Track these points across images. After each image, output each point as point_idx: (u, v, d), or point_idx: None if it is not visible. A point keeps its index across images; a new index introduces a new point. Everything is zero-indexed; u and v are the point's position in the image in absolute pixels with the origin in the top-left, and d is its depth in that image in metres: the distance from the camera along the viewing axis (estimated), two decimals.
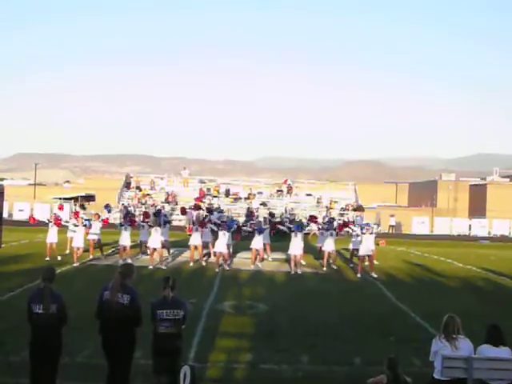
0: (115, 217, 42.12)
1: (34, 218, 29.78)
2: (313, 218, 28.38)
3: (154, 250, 24.85)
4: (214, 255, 26.46)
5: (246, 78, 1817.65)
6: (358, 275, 23.83)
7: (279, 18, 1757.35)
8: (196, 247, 25.95)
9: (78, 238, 25.08)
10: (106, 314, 8.30)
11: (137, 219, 28.40)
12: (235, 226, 26.63)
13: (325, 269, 25.40)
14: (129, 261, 23.27)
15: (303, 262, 25.84)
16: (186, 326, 8.80)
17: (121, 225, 26.93)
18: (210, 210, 33.76)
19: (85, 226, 25.57)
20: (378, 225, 29.05)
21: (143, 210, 45.25)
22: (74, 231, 25.85)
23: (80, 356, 10.93)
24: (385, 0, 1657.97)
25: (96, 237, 26.67)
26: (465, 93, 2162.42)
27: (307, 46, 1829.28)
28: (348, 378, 10.32)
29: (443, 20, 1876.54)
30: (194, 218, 30.18)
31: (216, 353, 11.73)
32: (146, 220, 27.24)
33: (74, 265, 23.89)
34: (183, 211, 32.03)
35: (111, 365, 8.34)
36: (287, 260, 25.97)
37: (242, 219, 40.15)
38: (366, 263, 25.01)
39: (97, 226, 26.56)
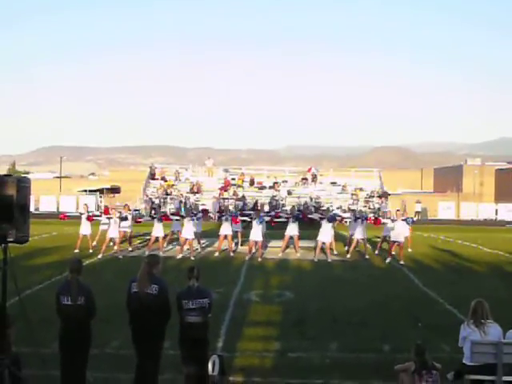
0: (140, 208, 42.37)
1: (64, 215, 29.92)
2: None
3: (186, 240, 24.87)
4: (241, 245, 26.54)
5: (268, 68, 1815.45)
6: (387, 260, 23.82)
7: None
8: (226, 237, 25.96)
9: (112, 229, 25.10)
10: (135, 305, 8.32)
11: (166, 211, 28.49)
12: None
13: (348, 256, 25.34)
14: (160, 253, 23.43)
15: (335, 252, 25.79)
16: (212, 315, 8.81)
17: (152, 217, 27.09)
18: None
19: (120, 218, 25.46)
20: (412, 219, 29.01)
21: (168, 200, 45.56)
22: (107, 223, 25.96)
23: (109, 347, 11.01)
24: None
25: (128, 229, 26.76)
26: (489, 77, 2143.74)
27: (323, 35, 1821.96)
28: (376, 365, 10.27)
29: (467, 7, 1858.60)
30: (219, 208, 30.20)
31: (244, 342, 11.76)
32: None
33: (99, 257, 23.97)
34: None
35: (141, 356, 8.38)
36: (315, 247, 25.88)
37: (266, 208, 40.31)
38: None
39: (127, 218, 26.52)
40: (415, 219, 26.75)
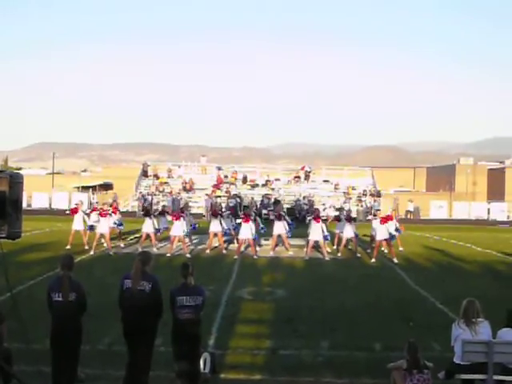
0: (133, 205, 42.38)
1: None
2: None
3: (175, 237, 24.80)
4: (236, 242, 26.38)
5: (261, 66, 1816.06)
6: (372, 260, 23.76)
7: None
8: (216, 234, 25.89)
9: (103, 225, 25.02)
10: (128, 302, 8.32)
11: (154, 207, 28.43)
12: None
13: (339, 254, 25.29)
14: (154, 249, 23.57)
15: (328, 249, 25.64)
16: (204, 312, 8.81)
17: (145, 211, 27.03)
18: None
19: (109, 214, 25.44)
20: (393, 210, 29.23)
21: (161, 197, 45.59)
22: (96, 220, 25.84)
23: (101, 344, 11.00)
24: None
25: (120, 226, 26.88)
26: (481, 76, 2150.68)
27: (318, 34, 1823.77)
28: (368, 363, 10.30)
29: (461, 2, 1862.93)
30: (209, 206, 30.20)
31: (236, 339, 11.76)
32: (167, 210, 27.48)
33: (91, 253, 24.00)
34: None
35: (132, 352, 8.37)
36: (306, 246, 25.80)
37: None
38: (383, 249, 25.11)
39: (116, 216, 26.56)
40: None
